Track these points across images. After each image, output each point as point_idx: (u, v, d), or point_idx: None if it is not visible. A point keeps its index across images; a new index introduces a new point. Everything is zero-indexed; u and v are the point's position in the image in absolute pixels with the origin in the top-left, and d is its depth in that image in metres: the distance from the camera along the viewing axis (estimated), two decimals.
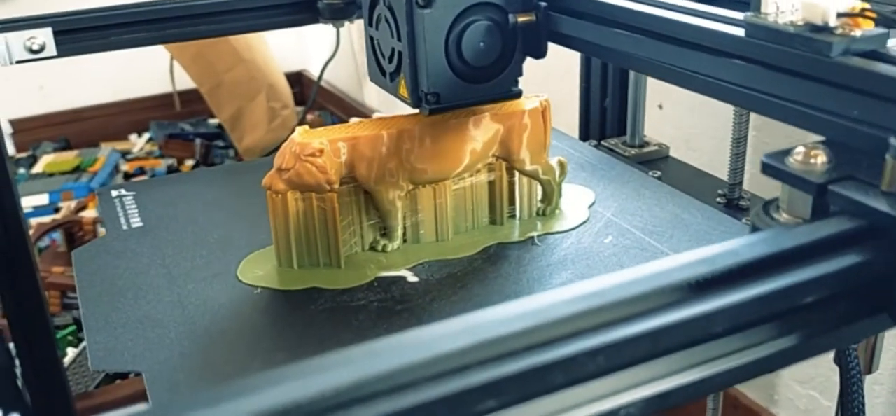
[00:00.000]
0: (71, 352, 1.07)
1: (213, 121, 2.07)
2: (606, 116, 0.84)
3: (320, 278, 0.52)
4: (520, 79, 0.55)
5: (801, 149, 0.32)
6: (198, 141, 1.95)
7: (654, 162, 0.77)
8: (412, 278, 0.52)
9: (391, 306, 0.49)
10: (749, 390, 1.21)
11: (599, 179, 0.65)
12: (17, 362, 0.79)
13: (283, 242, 0.53)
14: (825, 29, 0.35)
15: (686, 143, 0.80)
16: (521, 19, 0.52)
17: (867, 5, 0.35)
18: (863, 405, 0.62)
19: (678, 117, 1.05)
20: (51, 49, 0.67)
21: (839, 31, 0.35)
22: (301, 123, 1.90)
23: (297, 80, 2.24)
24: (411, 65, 0.51)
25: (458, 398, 0.22)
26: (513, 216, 0.59)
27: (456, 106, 0.53)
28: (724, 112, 0.73)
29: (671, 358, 0.25)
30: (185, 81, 1.94)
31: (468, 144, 0.55)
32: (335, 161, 0.51)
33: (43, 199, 1.58)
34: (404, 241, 0.55)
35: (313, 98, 1.85)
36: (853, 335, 0.29)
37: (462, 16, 0.51)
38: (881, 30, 0.35)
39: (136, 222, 0.60)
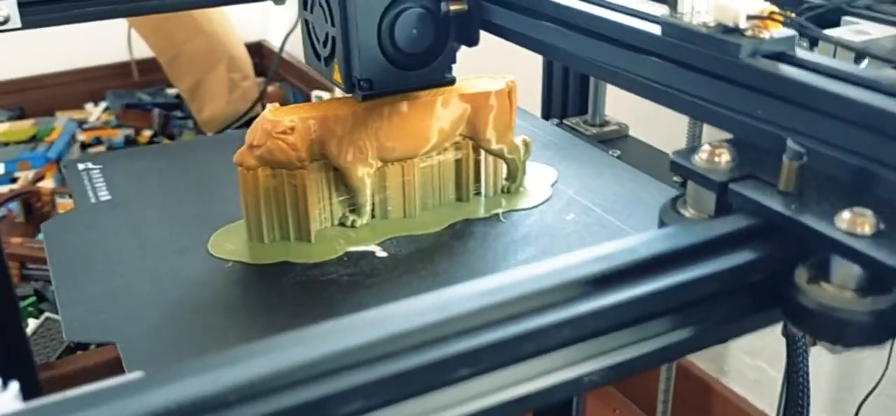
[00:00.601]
0: (32, 323, 1.07)
1: (171, 91, 2.05)
2: (568, 94, 0.85)
3: (291, 252, 0.53)
4: (453, 65, 0.55)
5: (706, 147, 0.33)
6: (156, 111, 1.93)
7: (615, 141, 0.80)
8: (381, 253, 0.53)
9: (361, 280, 0.50)
10: (700, 361, 1.25)
11: (562, 157, 0.67)
12: None
13: (253, 217, 0.53)
14: (736, 31, 0.36)
15: (644, 122, 0.82)
16: (453, 8, 0.52)
17: (775, 8, 0.36)
18: (807, 375, 0.65)
19: (637, 97, 1.07)
20: (15, 21, 0.66)
21: (749, 32, 0.36)
22: (261, 94, 1.90)
23: (258, 50, 2.22)
24: (344, 50, 0.52)
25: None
26: (478, 193, 0.60)
27: (388, 92, 0.54)
28: None
29: (568, 351, 0.26)
30: (142, 50, 1.91)
31: (436, 124, 0.56)
32: (306, 139, 0.52)
33: None
34: (373, 217, 0.57)
35: (274, 69, 1.85)
36: (746, 329, 0.30)
37: (395, 2, 0.51)
38: (790, 32, 0.36)
39: (104, 195, 0.61)
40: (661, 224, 0.34)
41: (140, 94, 2.03)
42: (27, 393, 0.23)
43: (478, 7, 0.53)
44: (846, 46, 0.55)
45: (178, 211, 0.59)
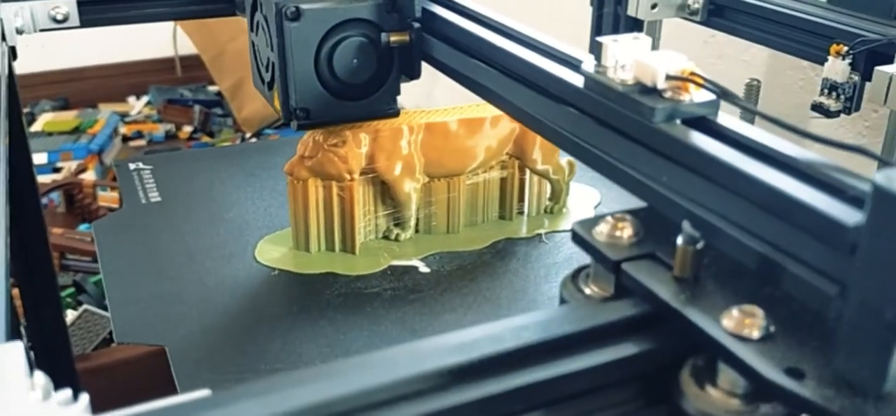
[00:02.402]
0: (70, 314, 1.08)
1: (212, 88, 2.07)
2: None
3: (336, 263, 0.54)
4: (397, 97, 0.53)
5: (609, 219, 0.30)
6: (196, 107, 1.95)
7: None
8: (424, 269, 0.54)
9: (404, 295, 0.51)
10: None
11: (605, 180, 0.66)
12: (22, 320, 0.81)
13: (301, 226, 0.54)
14: (654, 91, 0.32)
15: None
16: (393, 39, 0.50)
17: (696, 68, 0.32)
18: None
19: None
20: (74, 19, 0.67)
21: (668, 94, 0.32)
22: None
23: None
24: (282, 78, 0.50)
25: None
26: (521, 212, 0.61)
27: (327, 123, 0.52)
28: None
29: None
30: (186, 47, 1.94)
31: (483, 142, 0.56)
32: (356, 152, 0.53)
33: (42, 158, 1.58)
34: (417, 231, 0.57)
35: None
36: None
37: (333, 32, 0.49)
38: (711, 97, 0.32)
39: (155, 196, 0.62)
40: (562, 301, 0.30)
41: (182, 90, 2.05)
42: (64, 384, 0.24)
43: (419, 40, 0.50)
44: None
45: (226, 216, 0.60)
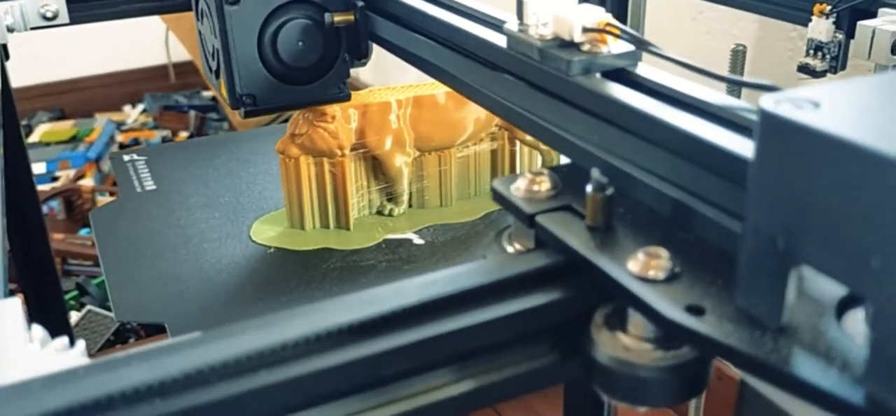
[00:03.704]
0: (74, 315, 1.09)
1: (207, 93, 2.08)
2: None
3: (331, 239, 0.54)
4: (347, 80, 0.52)
5: (528, 175, 0.29)
6: (192, 113, 1.95)
7: None
8: (418, 241, 0.54)
9: (399, 266, 0.51)
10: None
11: None
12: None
13: (295, 204, 0.55)
14: (572, 45, 0.32)
15: None
16: (338, 19, 0.49)
17: (612, 20, 0.32)
18: None
19: None
20: (64, 16, 0.68)
21: (585, 47, 0.32)
22: None
23: None
24: (227, 64, 0.49)
25: None
26: None
27: (275, 109, 0.51)
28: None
29: (328, 407, 0.23)
30: (179, 53, 1.95)
31: (473, 114, 0.57)
32: (346, 127, 0.53)
33: (40, 168, 1.58)
34: (410, 206, 0.58)
35: None
36: (542, 382, 0.25)
37: (275, 14, 0.48)
38: (630, 48, 0.32)
39: (150, 185, 0.63)
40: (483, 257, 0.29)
41: (177, 96, 2.06)
42: None
43: (365, 19, 0.48)
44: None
45: (221, 200, 0.60)
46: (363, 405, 0.23)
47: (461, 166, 0.59)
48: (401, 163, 0.56)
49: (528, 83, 0.35)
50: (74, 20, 0.69)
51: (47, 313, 0.85)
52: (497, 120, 0.58)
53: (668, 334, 0.23)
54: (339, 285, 0.50)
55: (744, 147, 0.25)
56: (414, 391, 0.23)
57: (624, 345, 0.24)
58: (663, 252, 0.24)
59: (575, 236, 0.26)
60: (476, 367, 0.24)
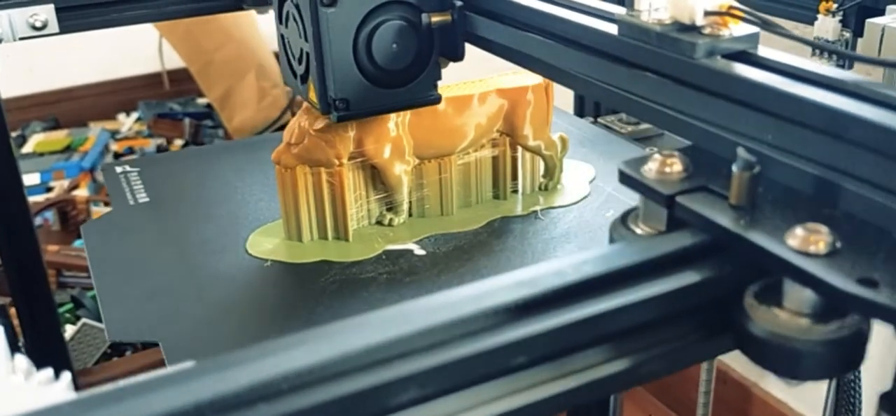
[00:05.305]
0: (69, 329, 1.07)
1: (201, 100, 2.06)
2: None
3: (329, 251, 0.53)
4: (439, 83, 0.51)
5: (657, 157, 0.30)
6: (187, 120, 1.94)
7: (650, 139, 0.78)
8: (419, 251, 0.53)
9: (400, 278, 0.50)
10: (738, 364, 1.23)
11: (599, 154, 0.66)
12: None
13: (291, 215, 0.53)
14: (693, 28, 0.33)
15: None
16: (435, 19, 0.48)
17: (735, 3, 0.33)
18: (859, 375, 0.63)
19: None
20: (53, 26, 0.67)
21: (707, 30, 0.33)
22: (291, 102, 1.90)
23: None
24: (318, 68, 0.48)
25: None
26: (516, 191, 0.60)
27: (367, 113, 0.50)
28: None
29: (488, 386, 0.23)
30: (173, 60, 1.93)
31: (473, 120, 0.55)
32: (343, 136, 0.52)
33: (34, 178, 1.57)
34: (410, 215, 0.56)
35: None
36: (692, 358, 0.26)
37: (371, 16, 0.47)
38: (752, 30, 0.33)
39: (143, 197, 0.61)
40: (611, 240, 0.30)
41: (171, 104, 2.05)
42: None
43: (462, 18, 0.48)
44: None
45: (216, 212, 0.59)
46: (518, 385, 0.23)
47: (462, 174, 0.57)
48: (400, 171, 0.54)
49: (645, 69, 0.35)
50: (64, 30, 0.68)
51: (40, 327, 0.83)
52: (498, 125, 0.57)
53: (840, 306, 0.24)
54: (339, 298, 0.48)
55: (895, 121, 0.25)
56: (565, 371, 0.24)
57: (781, 320, 0.25)
58: (823, 228, 0.25)
59: (723, 215, 0.27)
60: (626, 347, 0.25)
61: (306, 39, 0.48)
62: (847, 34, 0.60)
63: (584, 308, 0.24)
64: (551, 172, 0.60)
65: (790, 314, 0.25)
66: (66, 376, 0.23)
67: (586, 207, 0.58)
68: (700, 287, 0.25)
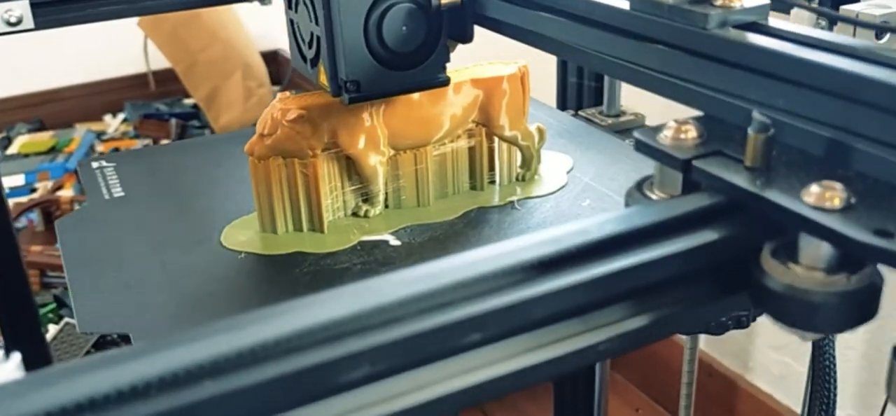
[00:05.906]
0: (52, 328, 1.07)
1: (188, 100, 2.06)
2: (583, 85, 0.85)
3: (304, 242, 0.53)
4: (447, 65, 0.52)
5: (672, 124, 0.31)
6: (173, 121, 1.94)
7: (631, 131, 0.79)
8: (394, 242, 0.53)
9: (375, 268, 0.50)
10: (724, 358, 1.23)
11: (577, 145, 0.66)
12: (0, 339, 0.80)
13: (265, 207, 0.53)
14: (704, 1, 0.34)
15: (661, 113, 0.81)
16: (445, 1, 0.49)
17: None
18: (834, 368, 0.63)
19: None
20: (28, 22, 0.66)
21: (719, 2, 0.34)
22: None
23: (273, 59, 2.23)
24: (329, 51, 0.49)
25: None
26: (493, 182, 0.60)
27: (378, 95, 0.51)
28: None
29: (514, 341, 0.24)
30: (159, 61, 1.93)
31: (448, 110, 0.55)
32: (317, 126, 0.52)
33: (19, 179, 1.56)
34: (386, 206, 0.56)
35: (289, 77, 1.85)
36: (711, 315, 0.27)
37: None
38: (762, 1, 0.34)
39: (118, 191, 0.61)
40: (627, 207, 0.31)
41: (157, 104, 2.04)
42: None
43: (471, 1, 0.49)
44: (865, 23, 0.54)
45: (191, 206, 0.58)
46: (543, 340, 0.24)
47: (438, 165, 0.57)
48: (375, 162, 0.54)
49: (658, 42, 0.36)
50: (39, 25, 0.67)
51: (20, 327, 0.83)
52: (473, 115, 0.57)
53: (856, 258, 0.25)
54: (313, 289, 0.48)
55: None
56: (589, 326, 0.25)
57: (797, 275, 0.26)
58: (837, 185, 0.26)
59: (739, 176, 0.28)
60: (648, 303, 0.26)
61: (317, 23, 0.49)
62: (823, 23, 0.60)
63: (607, 264, 0.25)
64: (528, 163, 0.59)
65: (806, 269, 0.26)
66: (16, 356, 0.23)
67: (563, 197, 0.58)
68: (718, 245, 0.26)
